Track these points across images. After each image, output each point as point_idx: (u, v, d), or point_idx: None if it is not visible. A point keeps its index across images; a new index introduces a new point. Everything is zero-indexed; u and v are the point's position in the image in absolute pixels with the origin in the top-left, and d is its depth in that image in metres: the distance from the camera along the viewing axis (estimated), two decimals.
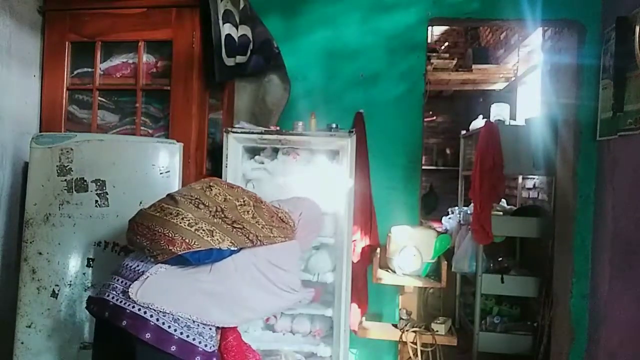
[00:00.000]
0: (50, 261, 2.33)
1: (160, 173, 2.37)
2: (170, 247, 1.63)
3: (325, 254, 2.83)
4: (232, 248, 1.71)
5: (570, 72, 3.23)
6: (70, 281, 2.33)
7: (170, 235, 1.63)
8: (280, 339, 2.82)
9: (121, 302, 1.61)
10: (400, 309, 3.17)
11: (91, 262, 2.33)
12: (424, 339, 2.98)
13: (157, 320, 1.57)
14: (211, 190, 1.78)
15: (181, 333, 1.58)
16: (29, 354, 2.32)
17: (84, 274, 2.34)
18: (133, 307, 1.59)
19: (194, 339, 1.59)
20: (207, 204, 1.73)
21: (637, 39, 2.48)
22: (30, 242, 2.35)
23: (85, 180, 2.34)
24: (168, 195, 1.80)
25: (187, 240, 1.63)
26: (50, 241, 2.34)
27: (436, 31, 6.65)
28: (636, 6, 2.56)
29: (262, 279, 1.76)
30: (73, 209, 2.34)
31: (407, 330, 3.00)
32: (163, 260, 1.66)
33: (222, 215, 1.72)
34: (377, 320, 3.21)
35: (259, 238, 1.77)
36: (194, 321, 1.61)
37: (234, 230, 1.73)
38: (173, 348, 1.55)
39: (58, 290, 2.33)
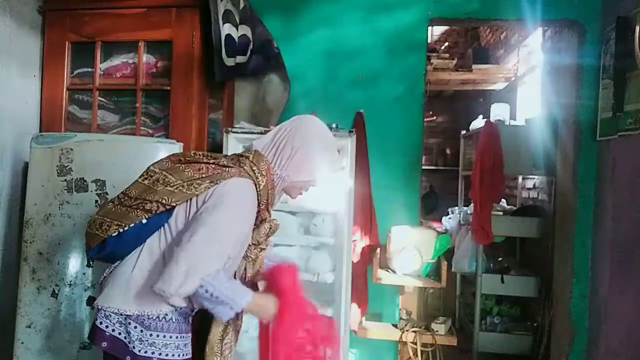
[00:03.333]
0: (50, 261, 2.33)
1: None
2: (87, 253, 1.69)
3: (325, 254, 2.83)
4: (121, 229, 1.56)
5: (570, 72, 3.23)
6: (70, 281, 2.33)
7: (87, 242, 1.66)
8: None
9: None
10: (400, 309, 3.17)
11: (91, 262, 2.33)
12: (424, 339, 2.98)
13: (95, 317, 1.59)
14: (142, 176, 1.66)
15: (113, 330, 1.56)
16: (29, 354, 2.32)
17: (84, 274, 2.34)
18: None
19: (124, 337, 1.55)
20: (118, 194, 1.65)
21: (637, 39, 2.48)
22: (30, 242, 2.35)
23: (85, 180, 2.34)
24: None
25: (87, 242, 1.64)
26: (50, 241, 2.34)
27: (436, 31, 6.64)
28: (636, 6, 2.56)
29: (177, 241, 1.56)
30: (73, 209, 2.34)
31: (407, 330, 3.00)
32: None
33: (124, 199, 1.61)
34: (377, 320, 3.20)
35: (162, 202, 1.54)
36: (125, 318, 1.56)
37: (129, 209, 1.58)
38: (104, 344, 1.55)
39: (58, 290, 2.33)
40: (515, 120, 4.41)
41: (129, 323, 1.55)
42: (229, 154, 1.75)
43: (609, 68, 2.83)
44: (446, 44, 6.67)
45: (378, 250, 3.16)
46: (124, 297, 1.57)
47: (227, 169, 1.59)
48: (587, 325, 3.06)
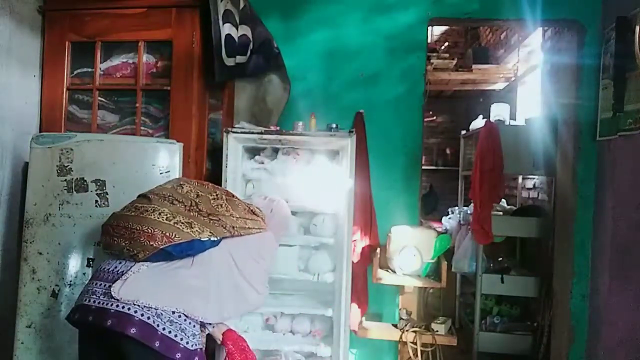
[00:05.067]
0: (50, 261, 2.33)
1: (160, 173, 2.37)
2: (152, 243, 1.63)
3: (325, 254, 2.83)
4: (213, 238, 1.73)
5: (570, 72, 3.23)
6: (70, 281, 2.33)
7: (150, 231, 1.63)
8: (280, 339, 2.82)
9: (103, 303, 1.59)
10: (400, 309, 3.17)
11: (91, 262, 2.33)
12: (424, 339, 2.98)
13: (142, 315, 1.56)
14: (182, 187, 1.80)
15: (164, 329, 1.56)
16: (29, 354, 2.32)
17: (84, 274, 2.34)
18: (117, 305, 1.57)
19: (175, 335, 1.58)
20: (180, 200, 1.74)
21: (637, 39, 2.48)
22: (30, 242, 2.35)
23: (85, 180, 2.34)
24: (139, 195, 1.81)
25: (167, 234, 1.63)
26: (50, 241, 2.34)
27: (436, 31, 6.65)
28: (636, 6, 2.56)
29: (236, 272, 1.78)
30: (73, 209, 2.34)
31: (407, 330, 3.00)
32: (145, 257, 1.65)
33: (197, 209, 1.75)
34: (377, 320, 3.21)
35: (236, 229, 1.81)
36: (179, 316, 1.60)
37: (211, 221, 1.75)
38: (157, 344, 1.54)
39: (58, 290, 2.33)
40: (515, 120, 4.41)
41: (185, 320, 1.61)
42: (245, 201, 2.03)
43: (609, 68, 2.83)
44: (446, 44, 6.67)
45: (378, 250, 3.16)
46: (197, 302, 1.65)
47: (257, 217, 1.94)
48: (587, 325, 3.07)
